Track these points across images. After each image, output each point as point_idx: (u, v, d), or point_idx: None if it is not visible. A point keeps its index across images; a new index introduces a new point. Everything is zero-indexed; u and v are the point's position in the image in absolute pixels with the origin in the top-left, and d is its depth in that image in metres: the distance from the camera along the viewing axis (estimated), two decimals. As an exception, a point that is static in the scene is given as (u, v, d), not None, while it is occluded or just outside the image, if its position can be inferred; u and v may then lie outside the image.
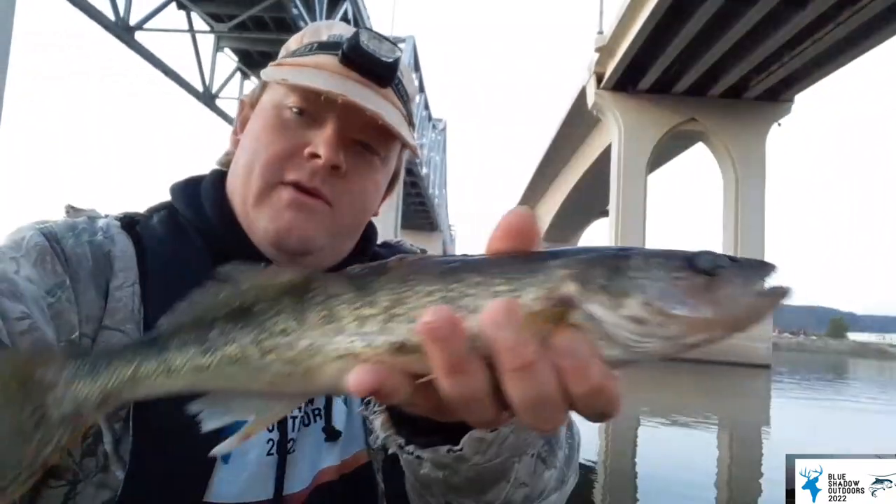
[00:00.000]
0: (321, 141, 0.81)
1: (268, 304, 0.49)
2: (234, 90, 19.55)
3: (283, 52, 0.94)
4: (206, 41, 18.25)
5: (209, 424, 0.48)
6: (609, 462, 6.97)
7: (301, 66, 0.85)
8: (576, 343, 0.42)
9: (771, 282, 0.45)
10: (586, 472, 6.14)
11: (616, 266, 0.45)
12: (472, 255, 0.50)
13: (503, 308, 0.42)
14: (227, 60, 19.38)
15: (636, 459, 7.28)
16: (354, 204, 0.87)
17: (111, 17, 14.30)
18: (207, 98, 18.55)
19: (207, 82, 18.39)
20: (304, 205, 0.81)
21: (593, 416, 0.45)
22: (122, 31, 14.63)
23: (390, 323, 0.46)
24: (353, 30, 0.87)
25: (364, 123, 0.82)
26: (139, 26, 15.19)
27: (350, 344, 0.46)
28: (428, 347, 0.42)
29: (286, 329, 0.48)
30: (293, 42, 0.94)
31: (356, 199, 0.87)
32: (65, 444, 0.47)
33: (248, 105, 0.92)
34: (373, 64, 0.84)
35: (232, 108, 18.27)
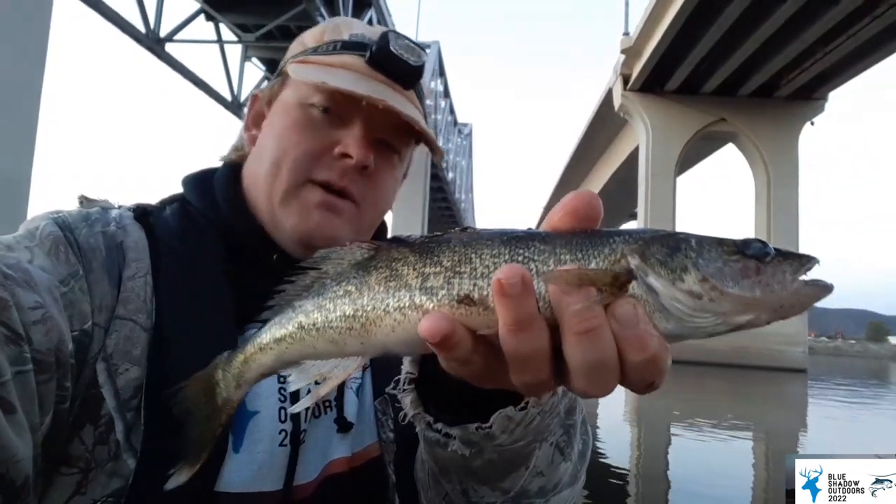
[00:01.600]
0: (352, 141, 0.82)
1: (335, 276, 0.56)
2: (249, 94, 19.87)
3: (298, 46, 0.93)
4: (234, 51, 18.62)
5: (292, 386, 0.57)
6: (642, 465, 6.89)
7: (328, 66, 0.85)
8: (637, 313, 0.45)
9: (813, 274, 0.49)
10: (620, 474, 6.05)
11: (676, 245, 0.49)
12: (535, 229, 0.53)
13: (573, 273, 0.45)
14: (255, 69, 19.72)
15: (669, 463, 7.18)
16: (378, 202, 0.89)
17: (142, 29, 14.65)
18: (235, 107, 18.87)
19: (235, 91, 18.73)
20: (333, 206, 0.83)
21: (642, 385, 0.47)
22: (153, 42, 14.99)
23: (454, 279, 0.50)
24: (374, 29, 0.89)
25: (387, 123, 0.84)
26: (169, 38, 15.55)
27: (411, 297, 0.50)
28: (498, 303, 0.45)
29: (348, 291, 0.53)
30: (310, 38, 0.93)
31: (380, 198, 0.89)
32: (226, 420, 0.62)
33: (265, 101, 0.92)
34: (400, 68, 0.86)
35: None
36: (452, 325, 0.46)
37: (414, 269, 0.51)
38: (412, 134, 0.89)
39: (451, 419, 0.62)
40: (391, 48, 0.85)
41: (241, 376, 0.61)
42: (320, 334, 0.54)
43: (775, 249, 0.49)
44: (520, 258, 0.49)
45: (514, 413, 0.59)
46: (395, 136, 0.88)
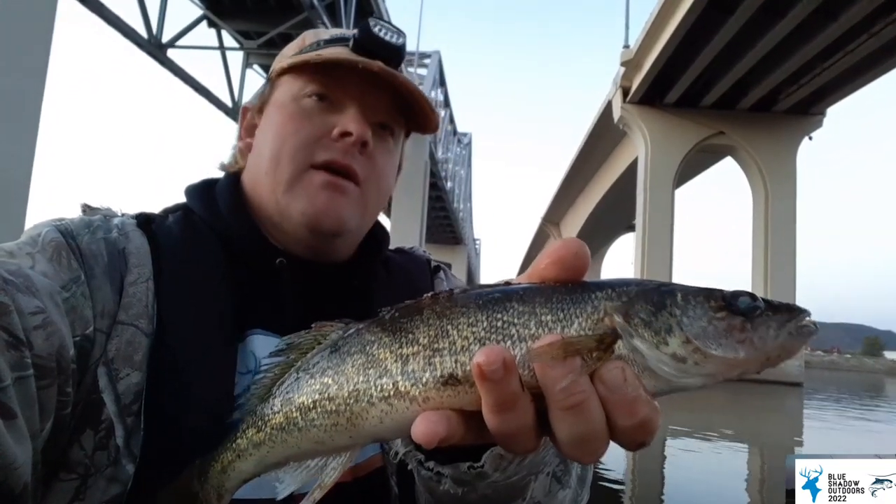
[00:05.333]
0: (349, 119, 0.84)
1: (307, 366, 0.53)
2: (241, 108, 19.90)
3: (280, 59, 0.95)
4: (236, 58, 18.64)
5: (282, 492, 0.55)
6: (637, 480, 6.85)
7: (315, 56, 0.86)
8: (624, 377, 0.44)
9: (802, 325, 0.48)
10: (615, 489, 6.03)
11: (661, 302, 0.47)
12: (512, 285, 0.50)
13: (557, 346, 0.44)
14: (256, 76, 19.77)
15: (664, 477, 7.15)
16: (379, 183, 0.90)
17: (144, 34, 14.68)
18: (236, 113, 18.83)
19: (237, 98, 18.74)
20: (338, 186, 0.84)
21: (632, 446, 0.46)
22: (155, 48, 15.01)
23: (435, 358, 0.47)
24: (352, 32, 0.90)
25: (381, 104, 0.87)
26: (171, 44, 15.57)
27: (395, 385, 0.48)
28: (479, 386, 0.44)
29: (325, 384, 0.51)
30: (291, 48, 0.96)
31: (381, 178, 0.90)
32: None
33: (255, 110, 0.94)
34: (384, 48, 0.87)
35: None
36: (447, 425, 0.45)
37: (391, 352, 0.49)
38: (402, 115, 0.91)
39: (443, 457, 0.61)
40: (373, 31, 0.87)
41: (220, 486, 0.58)
42: (303, 434, 0.52)
43: (765, 301, 0.48)
44: (499, 324, 0.47)
45: (505, 452, 0.58)
46: (388, 117, 0.90)
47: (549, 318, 0.46)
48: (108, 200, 0.86)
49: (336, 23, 16.67)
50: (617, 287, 0.48)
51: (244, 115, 0.96)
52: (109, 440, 0.66)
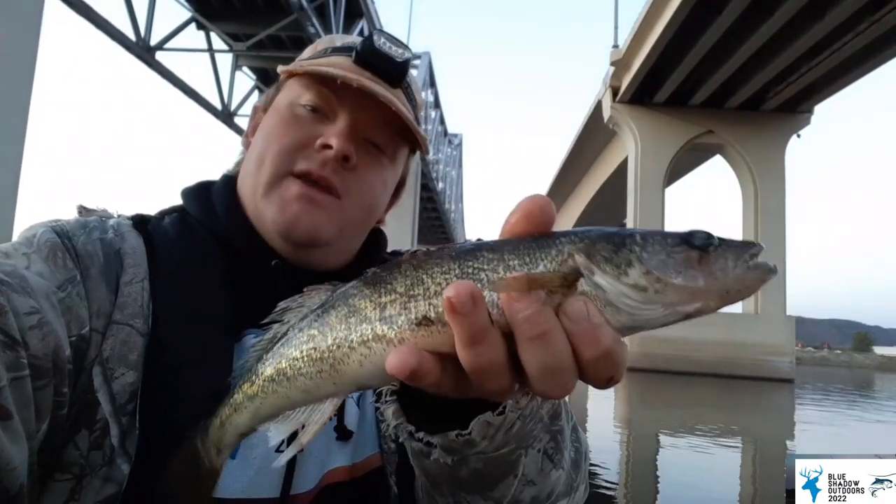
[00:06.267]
0: (333, 132, 0.84)
1: (296, 325, 0.57)
2: (251, 107, 19.90)
3: (296, 62, 0.96)
4: (225, 60, 18.60)
5: (271, 440, 0.59)
6: (631, 477, 6.88)
7: (316, 65, 0.87)
8: (586, 309, 0.46)
9: (758, 260, 0.49)
10: (608, 487, 6.04)
11: (621, 241, 0.49)
12: (485, 240, 0.53)
13: (521, 279, 0.46)
14: (246, 78, 19.71)
15: (658, 475, 7.17)
16: (363, 198, 0.89)
17: (132, 37, 14.60)
18: (225, 115, 18.82)
19: (226, 100, 18.69)
20: (312, 199, 0.83)
21: (601, 381, 0.48)
22: (143, 51, 14.94)
23: (410, 303, 0.50)
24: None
25: (374, 122, 0.86)
26: (159, 46, 15.50)
27: (373, 329, 0.51)
28: (450, 320, 0.46)
29: (312, 335, 0.55)
30: (307, 52, 0.98)
31: (365, 193, 0.89)
32: (212, 488, 0.65)
33: (262, 109, 0.95)
34: (384, 63, 0.88)
35: (250, 125, 18.76)
36: (418, 358, 0.47)
37: (370, 301, 0.52)
38: (401, 135, 0.90)
39: (434, 428, 0.62)
40: (375, 45, 0.87)
41: (220, 441, 0.62)
42: (292, 383, 0.55)
43: (720, 239, 0.50)
44: (469, 269, 0.49)
45: (492, 418, 0.59)
46: (381, 136, 0.89)
47: (515, 262, 0.49)
48: (104, 202, 0.86)
49: (325, 24, 16.64)
50: (580, 232, 0.51)
51: (255, 114, 0.97)
52: (104, 440, 0.66)
